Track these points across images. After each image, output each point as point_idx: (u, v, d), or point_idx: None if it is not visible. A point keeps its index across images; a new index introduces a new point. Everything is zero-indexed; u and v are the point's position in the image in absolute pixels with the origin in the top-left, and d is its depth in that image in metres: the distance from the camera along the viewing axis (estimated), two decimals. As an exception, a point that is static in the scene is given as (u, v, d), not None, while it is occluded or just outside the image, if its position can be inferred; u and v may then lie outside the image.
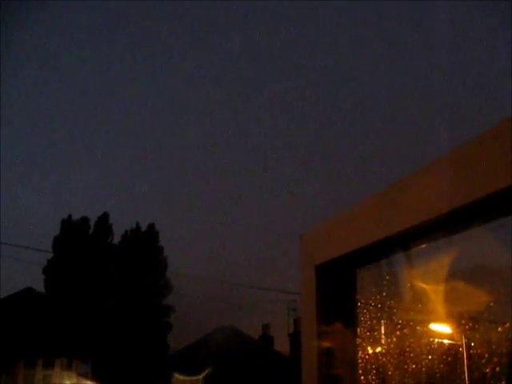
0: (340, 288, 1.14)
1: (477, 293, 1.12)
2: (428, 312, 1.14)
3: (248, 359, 23.97)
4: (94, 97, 48.01)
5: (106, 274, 31.17)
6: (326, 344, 1.11)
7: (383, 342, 1.17)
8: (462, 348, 1.20)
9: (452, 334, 1.18)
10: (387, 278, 1.15)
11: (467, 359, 1.17)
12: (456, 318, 1.20)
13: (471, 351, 1.17)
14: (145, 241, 33.30)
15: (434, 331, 1.14)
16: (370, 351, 1.12)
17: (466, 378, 1.18)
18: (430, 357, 1.12)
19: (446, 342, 1.12)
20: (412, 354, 1.13)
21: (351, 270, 1.14)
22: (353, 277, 1.14)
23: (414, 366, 1.12)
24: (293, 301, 29.04)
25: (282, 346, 29.15)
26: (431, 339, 1.13)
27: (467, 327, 1.17)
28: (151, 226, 34.17)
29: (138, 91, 47.80)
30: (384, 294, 1.15)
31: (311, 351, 1.13)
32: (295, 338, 28.59)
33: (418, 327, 1.13)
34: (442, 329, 1.13)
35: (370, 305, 1.15)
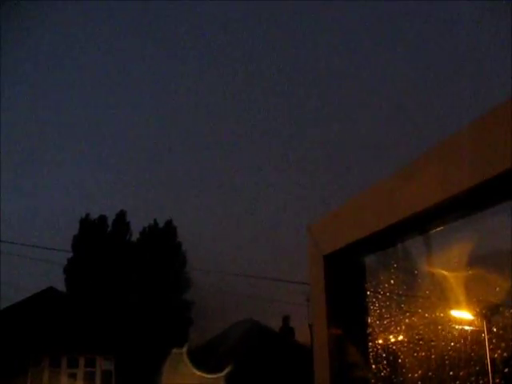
0: (349, 277, 1.12)
1: (497, 277, 1.09)
2: (445, 298, 1.11)
3: (269, 351, 24.02)
4: (109, 94, 48.23)
5: (125, 271, 31.40)
6: (337, 333, 1.10)
7: (398, 329, 1.15)
8: (484, 334, 1.18)
9: (473, 319, 1.16)
10: (395, 265, 1.12)
11: (489, 344, 1.15)
12: (476, 304, 1.18)
13: (492, 336, 1.15)
14: (163, 237, 33.48)
15: (453, 317, 1.11)
16: (383, 340, 1.10)
17: (488, 364, 1.16)
18: (452, 344, 1.10)
19: (467, 328, 1.10)
20: (433, 342, 1.11)
21: (360, 259, 1.12)
22: (361, 265, 1.12)
23: (433, 353, 1.09)
24: (312, 292, 29.07)
25: (302, 336, 29.18)
26: (451, 325, 1.11)
27: (488, 313, 1.15)
28: (169, 223, 34.35)
29: (155, 87, 47.92)
30: (393, 281, 1.13)
31: (322, 341, 1.11)
32: (316, 329, 28.58)
33: (436, 314, 1.11)
34: (462, 315, 1.11)
35: (379, 293, 1.13)
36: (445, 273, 1.08)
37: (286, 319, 29.02)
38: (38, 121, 47.04)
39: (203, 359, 23.22)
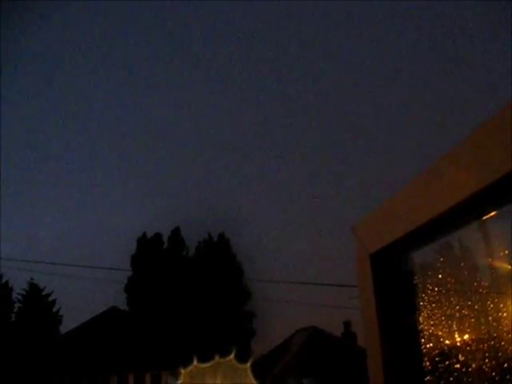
0: (396, 274, 1.10)
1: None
2: (504, 291, 1.07)
3: (332, 357, 23.78)
4: (161, 109, 48.99)
5: (184, 286, 31.77)
6: (389, 333, 1.07)
7: (453, 327, 1.11)
8: None
9: None
10: (442, 259, 1.09)
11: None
12: None
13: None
14: (217, 250, 33.75)
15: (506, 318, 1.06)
16: (437, 339, 1.07)
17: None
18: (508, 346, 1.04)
19: None
20: (493, 342, 1.06)
21: (406, 255, 1.10)
22: (408, 261, 1.10)
23: (494, 351, 1.05)
24: (372, 295, 28.66)
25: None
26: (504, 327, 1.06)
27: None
28: (221, 235, 34.61)
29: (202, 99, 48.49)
30: (441, 278, 1.10)
31: (374, 343, 1.09)
32: (379, 333, 28.15)
33: (495, 307, 1.06)
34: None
35: (430, 289, 1.10)
36: (502, 264, 1.04)
37: (347, 324, 28.68)
38: (88, 140, 48.38)
39: (267, 369, 23.19)
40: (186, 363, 22.87)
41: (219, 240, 34.59)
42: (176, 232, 34.60)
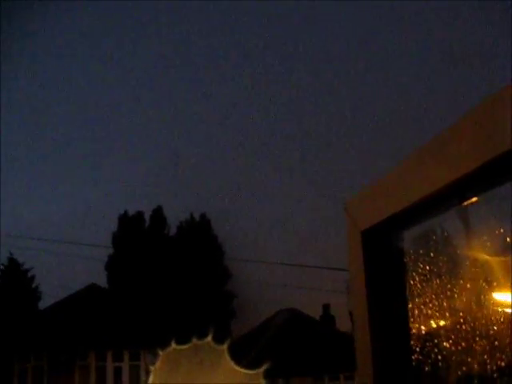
0: (387, 252, 1.09)
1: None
2: (484, 277, 1.06)
3: (310, 340, 24.02)
4: (141, 88, 48.60)
5: (165, 265, 31.78)
6: (378, 311, 1.06)
7: (437, 309, 1.10)
8: None
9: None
10: (435, 238, 1.08)
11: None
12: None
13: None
14: (199, 230, 33.75)
15: (496, 300, 1.06)
16: (425, 319, 1.06)
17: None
18: (494, 327, 1.04)
19: (509, 310, 1.04)
20: (473, 324, 1.05)
21: (398, 232, 1.09)
22: (400, 240, 1.09)
23: (477, 335, 1.04)
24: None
25: (343, 325, 29.07)
26: (494, 308, 1.05)
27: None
28: (203, 216, 34.61)
29: (180, 82, 48.15)
30: (432, 256, 1.08)
31: (362, 320, 1.08)
32: (357, 317, 28.47)
33: (475, 295, 1.05)
34: (504, 298, 1.05)
35: (420, 268, 1.09)
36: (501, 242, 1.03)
37: (326, 307, 28.97)
38: (71, 119, 47.89)
39: (245, 351, 23.35)
40: (165, 342, 22.95)
41: (201, 220, 34.58)
42: (158, 211, 34.50)
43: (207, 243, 33.12)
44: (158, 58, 48.74)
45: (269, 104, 45.44)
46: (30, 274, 32.38)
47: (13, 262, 31.55)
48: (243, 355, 22.23)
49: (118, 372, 22.89)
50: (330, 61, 44.95)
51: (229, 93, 46.18)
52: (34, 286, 32.41)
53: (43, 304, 29.45)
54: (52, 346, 22.36)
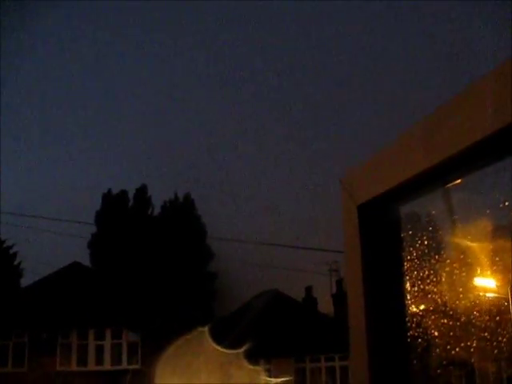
0: (384, 226, 1.07)
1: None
2: (486, 252, 1.05)
3: (292, 321, 24.21)
4: (129, 69, 48.14)
5: (148, 244, 31.71)
6: (373, 287, 1.05)
7: (435, 284, 1.09)
8: (508, 301, 1.12)
9: (497, 287, 1.10)
10: (433, 212, 1.07)
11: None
12: (501, 271, 1.11)
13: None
14: (183, 210, 33.67)
15: (478, 285, 1.06)
16: (423, 293, 1.05)
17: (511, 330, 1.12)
18: (475, 311, 1.04)
19: (490, 295, 1.04)
20: (473, 300, 1.05)
21: (395, 207, 1.07)
22: (397, 213, 1.07)
23: (477, 311, 1.04)
24: (335, 262, 29.09)
25: (325, 307, 29.31)
26: (476, 292, 1.05)
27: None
28: (187, 196, 34.52)
29: (174, 62, 47.68)
30: (427, 232, 1.07)
31: (357, 295, 1.07)
32: (338, 299, 28.71)
33: (462, 278, 1.05)
34: (486, 283, 1.05)
35: (417, 243, 1.08)
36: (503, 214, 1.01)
37: (308, 289, 29.16)
38: (57, 96, 47.30)
39: (226, 332, 23.48)
40: (147, 321, 22.99)
41: (185, 200, 34.49)
42: (142, 190, 34.34)
43: (190, 223, 33.08)
44: (144, 39, 48.20)
45: (258, 75, 45.18)
46: (11, 251, 32.15)
47: (-6, 239, 31.28)
48: (225, 336, 22.37)
49: (99, 350, 22.91)
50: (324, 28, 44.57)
51: (217, 69, 45.85)
52: (16, 263, 32.20)
53: (25, 281, 29.31)
54: (33, 324, 22.30)
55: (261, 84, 46.69)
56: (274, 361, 22.58)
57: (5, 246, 31.80)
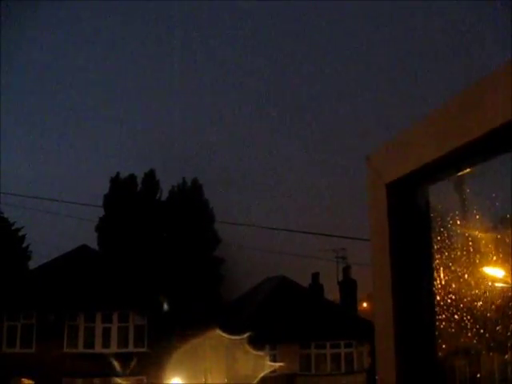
0: (413, 206, 1.03)
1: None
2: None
3: (298, 308, 24.25)
4: (141, 53, 47.96)
5: (156, 229, 31.78)
6: (401, 269, 1.01)
7: (465, 266, 1.05)
8: None
9: (505, 277, 1.06)
10: (468, 190, 1.02)
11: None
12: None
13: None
14: (191, 195, 33.68)
15: (486, 274, 1.01)
16: (454, 274, 1.01)
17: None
18: (480, 301, 1.00)
19: (499, 285, 1.00)
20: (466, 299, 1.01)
21: (426, 187, 1.03)
22: (427, 193, 1.03)
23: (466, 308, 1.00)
24: (342, 249, 29.06)
25: (331, 294, 29.33)
26: (485, 281, 1.01)
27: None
28: (195, 181, 34.51)
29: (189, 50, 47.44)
30: (454, 214, 1.03)
31: (383, 277, 1.03)
32: (345, 286, 28.72)
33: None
34: (494, 272, 1.01)
35: (448, 224, 1.03)
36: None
37: (315, 276, 29.16)
38: (70, 81, 47.30)
39: (233, 317, 23.55)
40: (154, 305, 23.09)
41: (193, 185, 34.49)
42: (151, 174, 34.35)
43: (198, 208, 33.09)
44: (148, 24, 47.90)
45: (272, 55, 44.91)
46: (20, 234, 32.29)
47: (3, 221, 31.39)
48: (231, 321, 22.45)
49: (106, 333, 23.07)
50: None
51: (222, 51, 45.60)
52: (24, 245, 32.37)
53: (33, 264, 29.50)
54: (41, 306, 22.46)
55: (273, 66, 46.44)
56: (279, 347, 22.67)
57: (13, 228, 31.95)
